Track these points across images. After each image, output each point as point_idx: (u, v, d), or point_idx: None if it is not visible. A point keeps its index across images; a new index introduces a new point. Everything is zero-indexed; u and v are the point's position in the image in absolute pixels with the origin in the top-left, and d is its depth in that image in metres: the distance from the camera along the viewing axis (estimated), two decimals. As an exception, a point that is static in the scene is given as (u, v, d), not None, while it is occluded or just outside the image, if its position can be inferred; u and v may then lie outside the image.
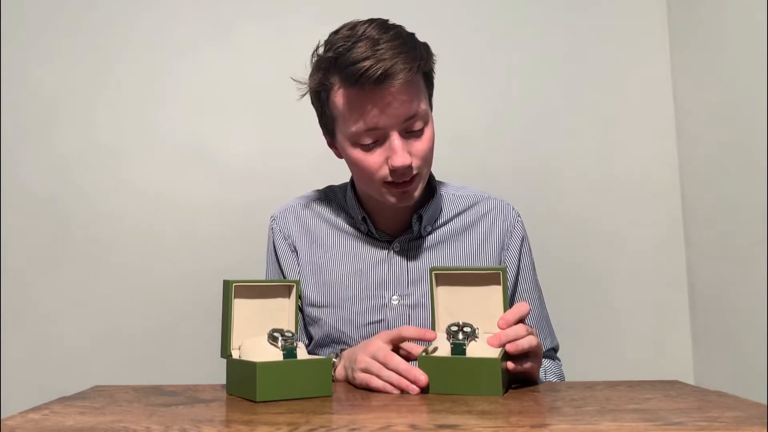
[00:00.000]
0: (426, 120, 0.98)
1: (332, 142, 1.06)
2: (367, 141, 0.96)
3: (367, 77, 0.90)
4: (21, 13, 1.74)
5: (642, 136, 1.73)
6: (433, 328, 0.86)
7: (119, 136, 1.72)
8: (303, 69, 1.04)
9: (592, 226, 1.72)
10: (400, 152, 0.94)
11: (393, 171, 0.96)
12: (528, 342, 0.80)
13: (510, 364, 0.79)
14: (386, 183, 0.99)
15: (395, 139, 0.95)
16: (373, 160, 0.97)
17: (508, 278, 1.10)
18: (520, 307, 0.84)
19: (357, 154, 0.98)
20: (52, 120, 1.72)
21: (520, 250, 1.12)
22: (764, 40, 1.34)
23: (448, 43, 1.63)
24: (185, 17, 1.75)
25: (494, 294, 0.84)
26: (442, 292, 0.86)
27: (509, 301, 1.11)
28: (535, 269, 1.15)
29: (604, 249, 1.71)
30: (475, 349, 0.80)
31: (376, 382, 0.81)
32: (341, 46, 0.92)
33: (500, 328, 0.81)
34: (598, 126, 1.74)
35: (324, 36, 1.00)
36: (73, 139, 1.72)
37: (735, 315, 1.50)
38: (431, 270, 0.86)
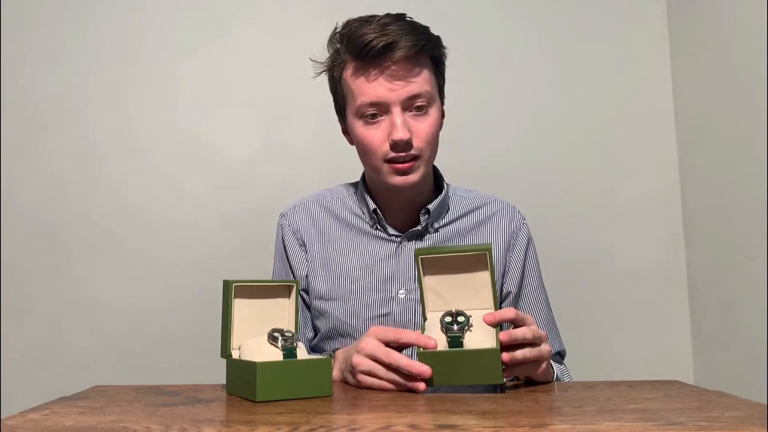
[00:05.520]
0: (431, 102, 1.02)
1: (345, 128, 1.10)
2: (372, 113, 1.00)
3: (371, 47, 0.96)
4: (22, 13, 1.74)
5: (642, 136, 1.73)
6: (423, 312, 0.86)
7: (121, 135, 1.72)
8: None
9: (592, 225, 1.72)
10: (399, 127, 0.98)
11: (393, 146, 1.00)
12: (522, 333, 0.80)
13: (505, 356, 0.77)
14: (388, 162, 1.01)
15: (396, 114, 0.99)
16: (376, 135, 1.01)
17: (514, 280, 1.11)
18: (507, 312, 0.82)
19: (362, 129, 1.02)
20: (54, 118, 1.72)
21: (526, 252, 1.13)
22: (764, 40, 1.34)
23: (446, 43, 1.63)
24: (187, 17, 1.75)
25: (482, 274, 0.84)
26: (430, 275, 0.86)
27: (513, 302, 1.11)
28: (540, 272, 1.16)
29: (604, 248, 1.71)
30: (471, 339, 0.79)
31: (380, 383, 0.81)
32: (355, 25, 1.00)
33: (485, 321, 0.80)
34: (598, 126, 1.74)
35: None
36: (74, 139, 1.72)
37: (735, 315, 1.50)
38: (416, 253, 0.85)
